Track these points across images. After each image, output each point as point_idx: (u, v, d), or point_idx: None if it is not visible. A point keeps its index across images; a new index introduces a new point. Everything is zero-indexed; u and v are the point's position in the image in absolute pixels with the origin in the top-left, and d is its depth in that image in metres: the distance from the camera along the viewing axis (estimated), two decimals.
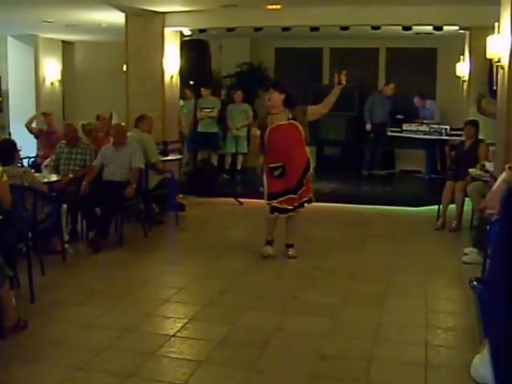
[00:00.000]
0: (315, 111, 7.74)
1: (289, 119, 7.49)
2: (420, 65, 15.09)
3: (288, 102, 7.54)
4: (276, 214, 7.69)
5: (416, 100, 14.18)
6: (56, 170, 8.80)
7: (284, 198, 7.57)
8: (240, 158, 14.16)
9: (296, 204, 7.64)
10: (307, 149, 7.70)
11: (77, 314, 5.87)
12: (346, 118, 14.44)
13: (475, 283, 5.05)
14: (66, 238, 8.29)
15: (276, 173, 7.53)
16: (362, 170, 14.46)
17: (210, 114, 13.55)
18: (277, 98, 7.49)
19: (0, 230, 5.82)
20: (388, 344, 5.22)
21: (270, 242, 7.92)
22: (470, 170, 8.78)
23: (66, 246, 7.95)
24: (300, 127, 7.48)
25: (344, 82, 7.46)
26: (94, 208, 8.52)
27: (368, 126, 14.27)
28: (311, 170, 7.73)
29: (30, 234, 6.53)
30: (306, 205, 7.75)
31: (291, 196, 7.57)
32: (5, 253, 5.45)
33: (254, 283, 6.92)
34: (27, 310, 5.76)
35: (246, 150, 13.91)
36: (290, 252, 7.89)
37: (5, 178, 5.91)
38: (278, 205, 7.60)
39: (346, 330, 5.55)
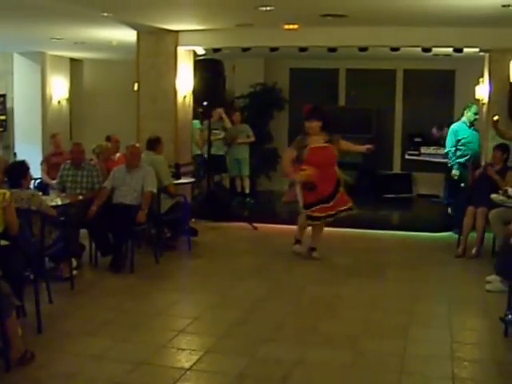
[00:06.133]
0: (343, 146, 8.86)
1: (326, 142, 8.62)
2: (438, 86, 14.98)
3: (325, 126, 8.66)
4: (309, 221, 8.75)
5: (434, 132, 13.96)
6: (62, 191, 8.50)
7: (318, 207, 8.56)
8: (247, 182, 13.88)
9: (331, 213, 8.62)
10: (337, 169, 8.77)
11: (87, 346, 5.64)
12: (362, 140, 13.97)
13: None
14: (74, 263, 7.91)
15: (308, 187, 8.49)
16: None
17: (219, 136, 13.38)
18: (315, 126, 8.62)
19: (7, 257, 5.63)
20: (414, 377, 5.09)
21: (298, 242, 8.98)
22: (493, 195, 8.54)
23: (74, 272, 7.64)
24: (335, 150, 8.65)
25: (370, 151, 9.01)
26: (106, 233, 8.24)
27: (455, 173, 10.89)
28: (341, 186, 8.73)
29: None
30: (344, 213, 8.74)
31: (324, 205, 8.55)
32: (11, 280, 5.25)
33: (272, 313, 6.70)
34: (34, 340, 5.55)
35: (248, 173, 13.74)
36: (314, 254, 8.90)
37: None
38: (310, 213, 8.61)
39: (370, 362, 5.39)
